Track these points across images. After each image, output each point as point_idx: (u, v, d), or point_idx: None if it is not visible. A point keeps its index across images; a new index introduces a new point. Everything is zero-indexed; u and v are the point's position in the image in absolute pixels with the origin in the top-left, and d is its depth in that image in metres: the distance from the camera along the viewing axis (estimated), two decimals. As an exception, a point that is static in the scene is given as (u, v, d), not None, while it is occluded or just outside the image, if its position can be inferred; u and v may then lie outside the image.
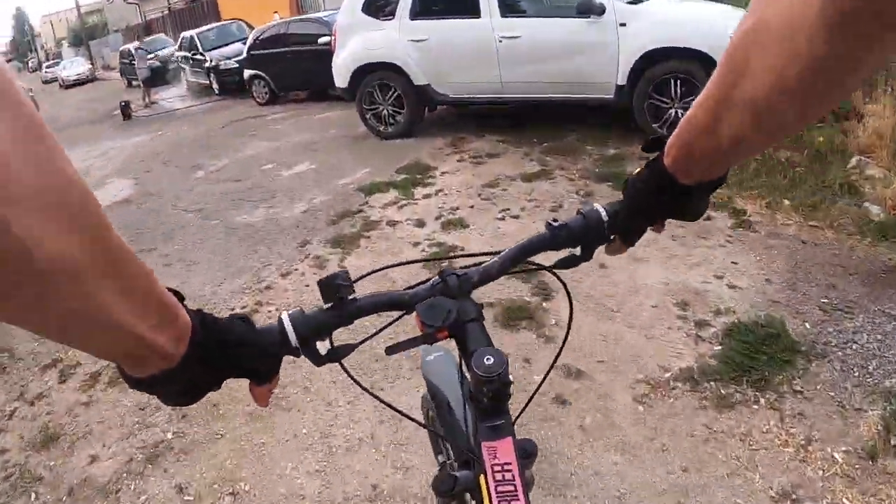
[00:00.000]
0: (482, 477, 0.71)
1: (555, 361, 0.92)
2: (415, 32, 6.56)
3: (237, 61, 12.97)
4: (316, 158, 6.90)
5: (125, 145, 10.86)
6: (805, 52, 0.41)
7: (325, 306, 0.73)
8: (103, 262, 0.40)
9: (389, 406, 0.87)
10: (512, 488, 0.68)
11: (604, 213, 0.79)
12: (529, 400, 0.92)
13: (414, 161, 6.05)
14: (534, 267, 0.89)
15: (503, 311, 3.18)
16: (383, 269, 0.90)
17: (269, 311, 3.64)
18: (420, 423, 1.01)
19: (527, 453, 0.77)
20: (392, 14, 6.71)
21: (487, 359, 0.70)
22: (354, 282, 0.74)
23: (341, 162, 6.56)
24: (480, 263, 0.83)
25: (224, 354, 0.59)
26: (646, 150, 0.71)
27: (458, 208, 4.70)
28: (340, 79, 7.23)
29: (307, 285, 3.91)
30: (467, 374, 0.74)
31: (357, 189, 5.56)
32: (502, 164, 5.68)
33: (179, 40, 16.37)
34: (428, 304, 0.75)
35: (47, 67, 37.25)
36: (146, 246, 5.02)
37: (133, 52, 17.42)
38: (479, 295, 0.81)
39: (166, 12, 24.93)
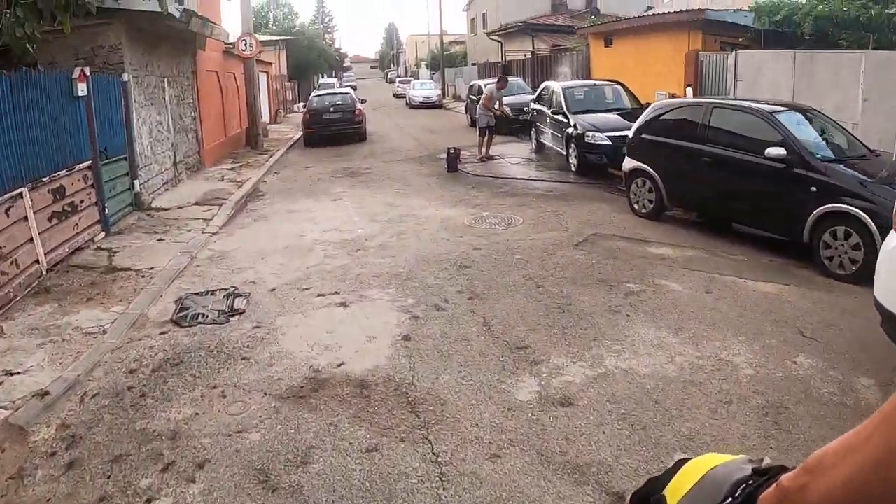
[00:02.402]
0: None
1: None
2: None
3: (611, 137, 9.28)
4: None
5: (432, 217, 7.73)
6: None
7: None
8: None
9: None
10: None
11: None
12: None
13: None
14: None
15: None
16: None
17: None
18: None
19: None
20: None
21: None
22: None
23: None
24: None
25: None
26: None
27: None
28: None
29: None
30: None
31: None
32: None
33: (539, 90, 13.32)
34: None
35: (400, 82, 38.89)
36: None
37: (482, 88, 15.02)
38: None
39: (529, 55, 22.69)
